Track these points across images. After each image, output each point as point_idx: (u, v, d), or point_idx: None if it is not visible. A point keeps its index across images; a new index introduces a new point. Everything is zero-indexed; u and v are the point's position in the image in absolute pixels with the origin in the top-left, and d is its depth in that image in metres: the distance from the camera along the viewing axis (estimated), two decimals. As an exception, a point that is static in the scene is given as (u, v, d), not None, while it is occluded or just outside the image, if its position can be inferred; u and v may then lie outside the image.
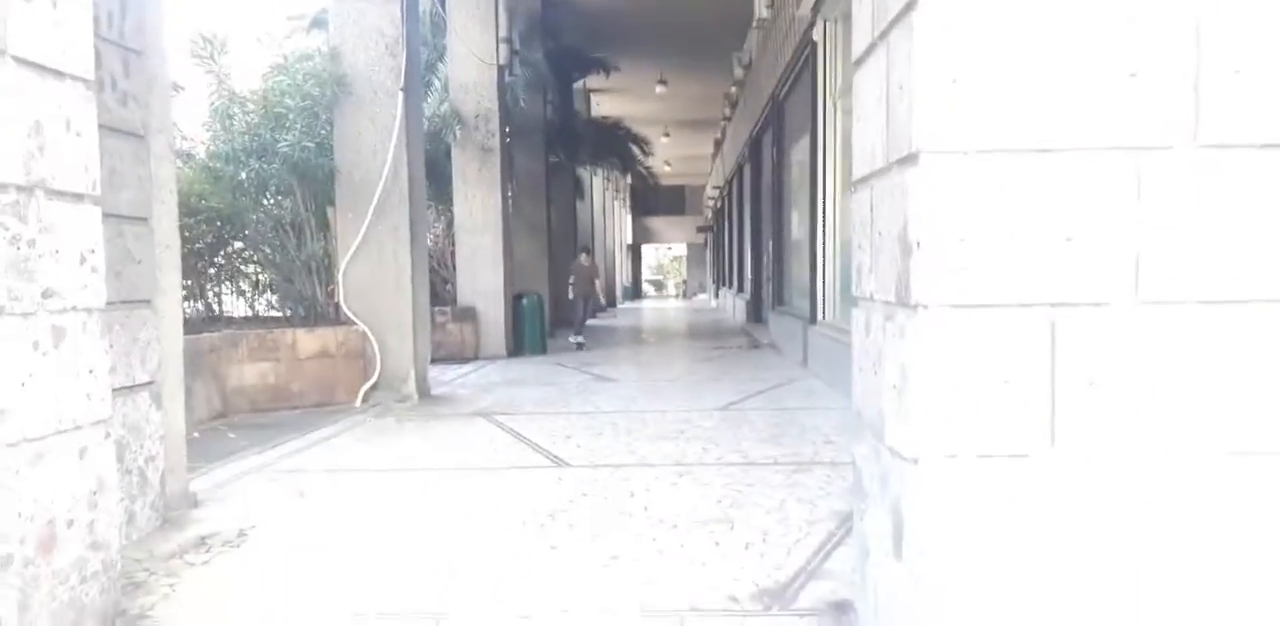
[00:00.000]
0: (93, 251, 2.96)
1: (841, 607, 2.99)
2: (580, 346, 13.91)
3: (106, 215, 3.82)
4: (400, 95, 8.37)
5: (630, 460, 5.46)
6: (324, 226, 8.82)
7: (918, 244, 2.15)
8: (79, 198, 2.92)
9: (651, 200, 42.94)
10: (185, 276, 8.90)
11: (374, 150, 8.35)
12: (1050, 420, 2.14)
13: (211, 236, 8.95)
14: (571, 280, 14.84)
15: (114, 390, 3.80)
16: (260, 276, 9.52)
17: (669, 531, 3.91)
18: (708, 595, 3.13)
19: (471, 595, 3.19)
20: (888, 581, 2.49)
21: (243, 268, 9.67)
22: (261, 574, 3.51)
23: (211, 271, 9.49)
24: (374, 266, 8.45)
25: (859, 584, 2.94)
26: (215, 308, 9.40)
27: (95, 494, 2.93)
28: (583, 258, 15.09)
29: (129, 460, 3.93)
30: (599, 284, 15.12)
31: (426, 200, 14.03)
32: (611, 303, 32.02)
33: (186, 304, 9.17)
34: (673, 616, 2.95)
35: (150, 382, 4.12)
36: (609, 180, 29.75)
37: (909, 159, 2.22)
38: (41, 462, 2.70)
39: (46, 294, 2.75)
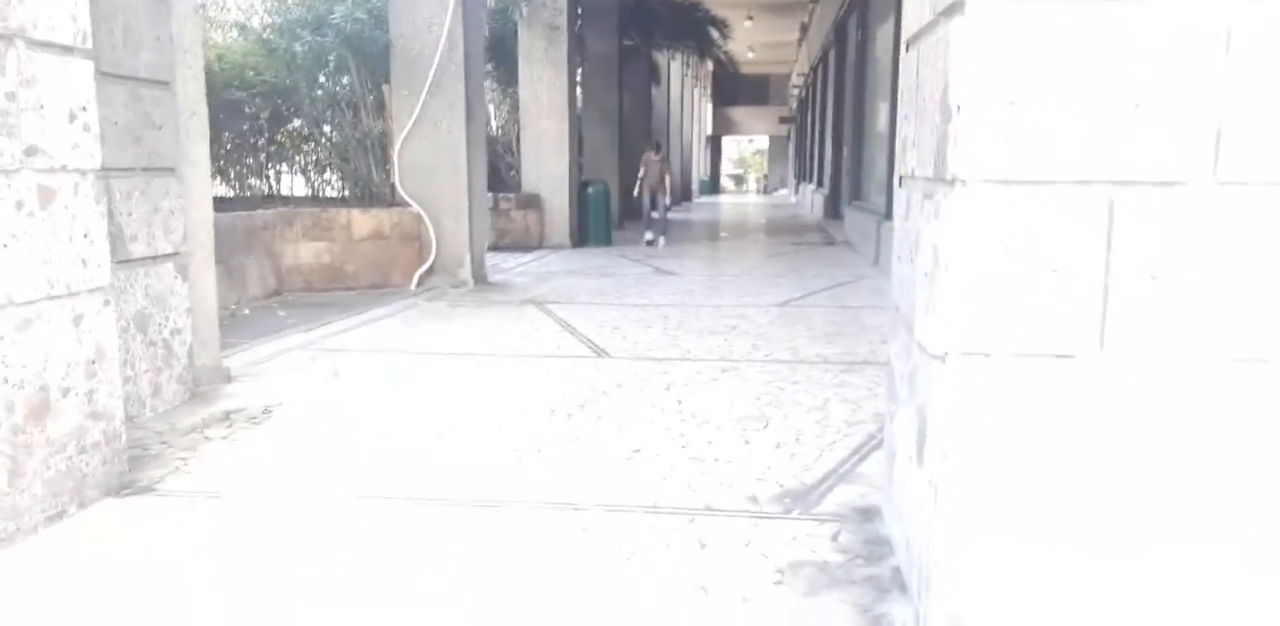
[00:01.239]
0: (84, 109, 2.78)
1: (866, 514, 2.79)
2: (651, 243, 13.01)
3: (122, 77, 3.66)
4: (458, -36, 7.94)
5: (674, 354, 5.28)
6: (380, 104, 8.58)
7: (958, 108, 1.82)
8: (66, 50, 2.72)
9: (733, 89, 41.53)
10: (245, 153, 8.86)
11: (429, 23, 7.99)
12: (1102, 317, 1.85)
13: (268, 112, 8.78)
14: (641, 174, 13.82)
15: (135, 260, 3.73)
16: (319, 155, 9.38)
17: (698, 427, 3.73)
18: (726, 494, 2.96)
19: (479, 484, 3.07)
20: (911, 488, 2.26)
21: (303, 145, 9.54)
22: (277, 451, 3.45)
23: (271, 148, 9.39)
24: (430, 146, 8.23)
25: (885, 489, 2.73)
26: (274, 185, 9.33)
27: (94, 362, 2.85)
28: (652, 153, 13.85)
29: (153, 332, 3.88)
30: (669, 181, 13.98)
31: (491, 80, 13.78)
32: (687, 196, 31.48)
33: (249, 181, 9.15)
34: (684, 515, 2.78)
35: (175, 254, 4.02)
36: (688, 66, 28.68)
37: (954, 6, 1.86)
38: (30, 328, 2.60)
39: (30, 151, 2.59)
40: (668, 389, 4.38)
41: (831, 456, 3.35)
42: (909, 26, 2.47)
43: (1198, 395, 1.85)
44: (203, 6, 8.05)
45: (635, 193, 13.69)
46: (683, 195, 29.94)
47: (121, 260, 3.67)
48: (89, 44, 2.79)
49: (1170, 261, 1.81)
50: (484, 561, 2.46)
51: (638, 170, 14.03)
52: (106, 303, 2.90)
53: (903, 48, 2.55)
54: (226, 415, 3.92)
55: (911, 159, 2.33)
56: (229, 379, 4.52)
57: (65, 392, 2.73)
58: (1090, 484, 1.89)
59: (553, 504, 2.86)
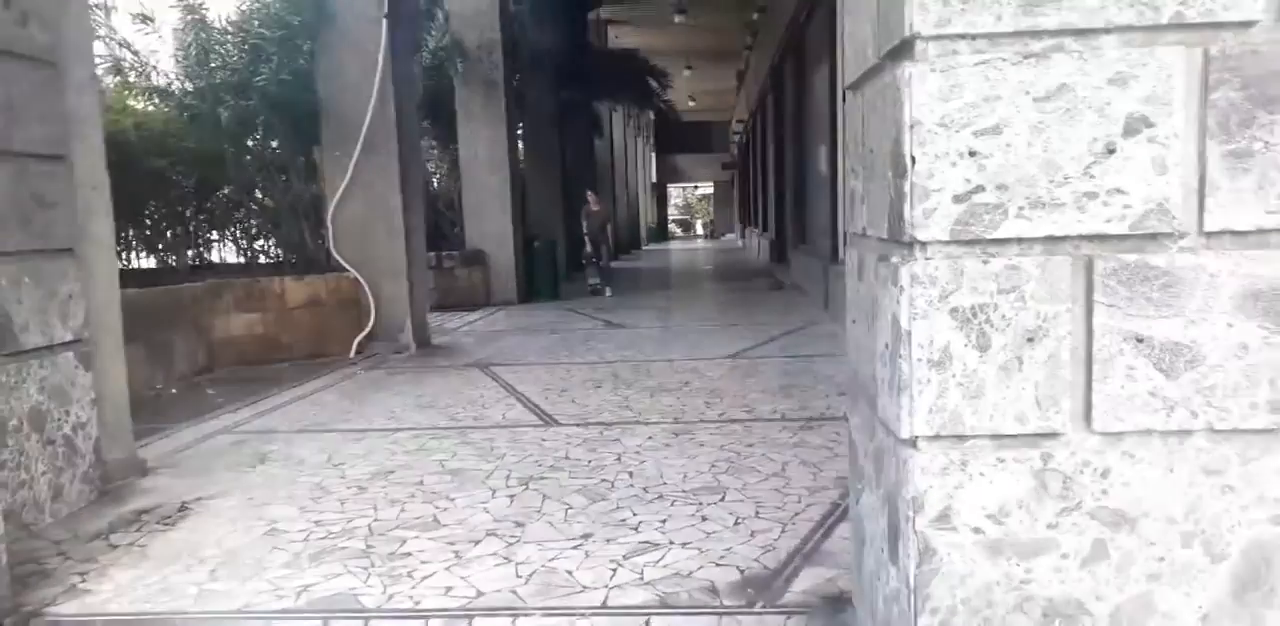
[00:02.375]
0: (-59, 194, 2.49)
1: (836, 603, 2.54)
2: (595, 290, 13.27)
3: (4, 152, 3.38)
4: (384, 22, 7.77)
5: (625, 416, 5.02)
6: (311, 167, 8.33)
7: (913, 161, 1.62)
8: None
9: (676, 137, 41.90)
10: (173, 223, 8.53)
11: (358, 83, 7.79)
12: (1085, 388, 1.64)
13: (195, 179, 8.47)
14: (585, 227, 14.06)
15: (28, 351, 3.42)
16: (251, 222, 9.07)
17: (651, 504, 3.47)
18: (683, 585, 2.69)
19: (410, 591, 2.77)
20: (885, 585, 2.01)
21: (234, 213, 9.22)
22: (190, 559, 3.12)
23: (201, 217, 9.07)
24: (364, 208, 7.97)
25: (855, 576, 2.48)
26: (204, 255, 8.98)
27: (-38, 478, 2.52)
28: (591, 201, 14.14)
29: (50, 429, 3.54)
30: (610, 229, 14.37)
31: (430, 138, 13.61)
32: (635, 244, 31.46)
33: (179, 251, 8.81)
34: (637, 616, 2.51)
35: (75, 341, 3.70)
36: (630, 117, 28.86)
37: (902, 48, 1.68)
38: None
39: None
40: (619, 459, 4.11)
41: (794, 532, 3.10)
42: (850, 71, 2.29)
43: (1204, 476, 1.64)
44: (118, 72, 7.77)
45: (586, 244, 13.90)
46: (630, 243, 29.91)
47: (11, 352, 3.35)
48: (-53, 122, 2.52)
49: (1159, 323, 1.62)
50: (412, 688, 2.16)
51: (580, 224, 14.22)
52: (-23, 407, 2.59)
53: (844, 93, 2.37)
54: (138, 516, 3.58)
55: (862, 216, 2.13)
56: (145, 472, 4.17)
57: (-73, 514, 2.40)
58: (1091, 582, 1.67)
59: (489, 609, 2.57)
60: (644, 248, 33.95)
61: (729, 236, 43.14)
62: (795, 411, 4.98)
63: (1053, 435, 1.67)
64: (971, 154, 1.61)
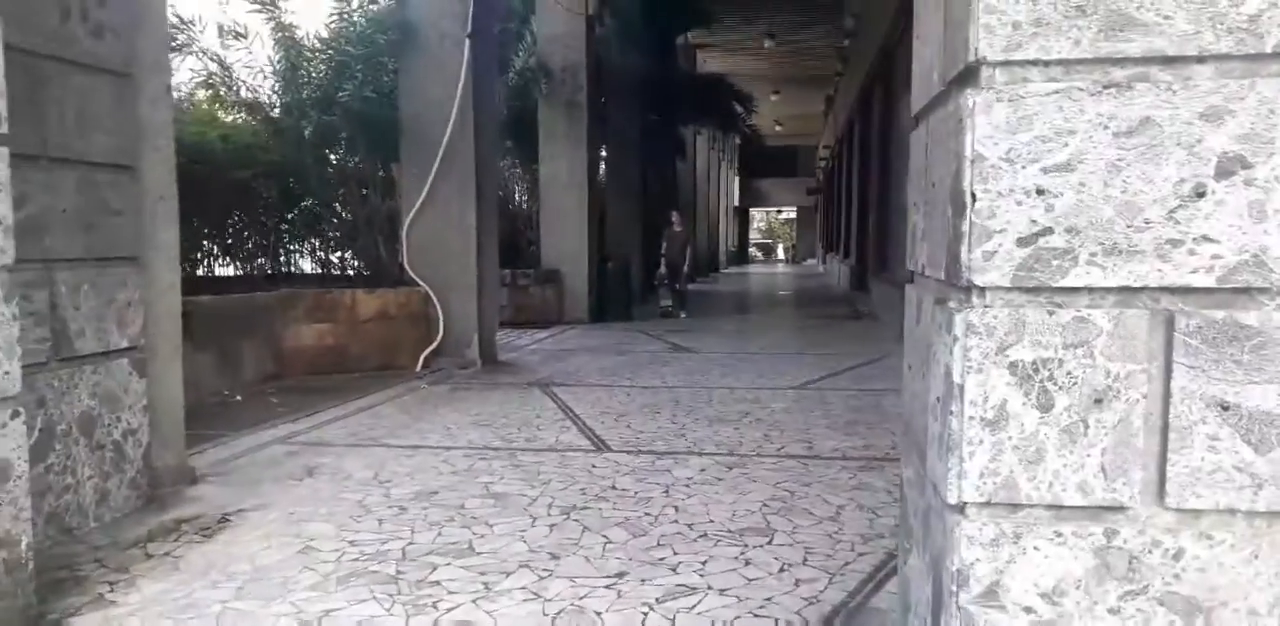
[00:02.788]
0: (-8, 199, 2.50)
1: (880, 667, 2.35)
2: (666, 313, 13.14)
3: (73, 161, 3.43)
4: (467, 42, 7.83)
5: (679, 446, 4.87)
6: (389, 182, 8.42)
7: (973, 198, 1.47)
8: (-27, 134, 2.45)
9: (761, 161, 41.73)
10: (254, 233, 8.70)
11: (440, 101, 7.85)
12: (1160, 459, 1.45)
13: (278, 191, 8.64)
14: (664, 248, 13.84)
15: (83, 357, 3.44)
16: (330, 234, 9.21)
17: (694, 542, 3.31)
18: (716, 636, 2.54)
19: (427, 625, 2.67)
20: (927, 659, 1.84)
21: (315, 225, 9.38)
22: (221, 572, 3.07)
23: (283, 227, 9.24)
24: (439, 225, 8.01)
25: (902, 641, 2.30)
26: (283, 265, 9.14)
27: (-6, 484, 2.51)
28: (675, 221, 13.94)
29: (100, 434, 3.55)
30: (690, 252, 14.03)
31: (511, 157, 13.73)
32: (714, 267, 31.31)
33: (259, 260, 8.98)
34: (663, 666, 2.36)
35: (131, 348, 3.72)
36: (714, 140, 28.81)
37: (966, 74, 1.53)
38: (-88, 449, 2.27)
39: (-78, 249, 2.31)
40: (666, 492, 3.97)
41: (842, 584, 2.92)
42: (917, 99, 2.15)
43: (1290, 560, 1.44)
44: (208, 86, 7.98)
45: (661, 268, 13.70)
46: (709, 266, 29.78)
47: (65, 358, 3.38)
48: (3, 128, 2.53)
49: (1248, 389, 1.43)
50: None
51: (660, 245, 14.03)
52: (15, 415, 2.58)
53: (912, 123, 2.22)
54: (178, 525, 3.56)
55: (921, 254, 1.98)
56: (194, 480, 4.17)
57: (-46, 520, 2.39)
58: (1155, 673, 1.48)
59: (511, 651, 2.45)
60: (723, 270, 33.76)
61: (810, 261, 42.68)
62: (858, 450, 4.77)
63: (1119, 509, 1.49)
64: (1039, 192, 1.46)
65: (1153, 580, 1.49)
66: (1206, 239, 1.42)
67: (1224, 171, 1.43)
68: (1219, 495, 1.45)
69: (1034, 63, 1.50)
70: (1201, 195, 1.43)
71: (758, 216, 55.98)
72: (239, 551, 3.28)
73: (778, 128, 35.02)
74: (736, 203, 44.12)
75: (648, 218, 16.10)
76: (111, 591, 2.89)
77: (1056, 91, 1.48)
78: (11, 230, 2.56)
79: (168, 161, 4.05)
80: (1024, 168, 1.48)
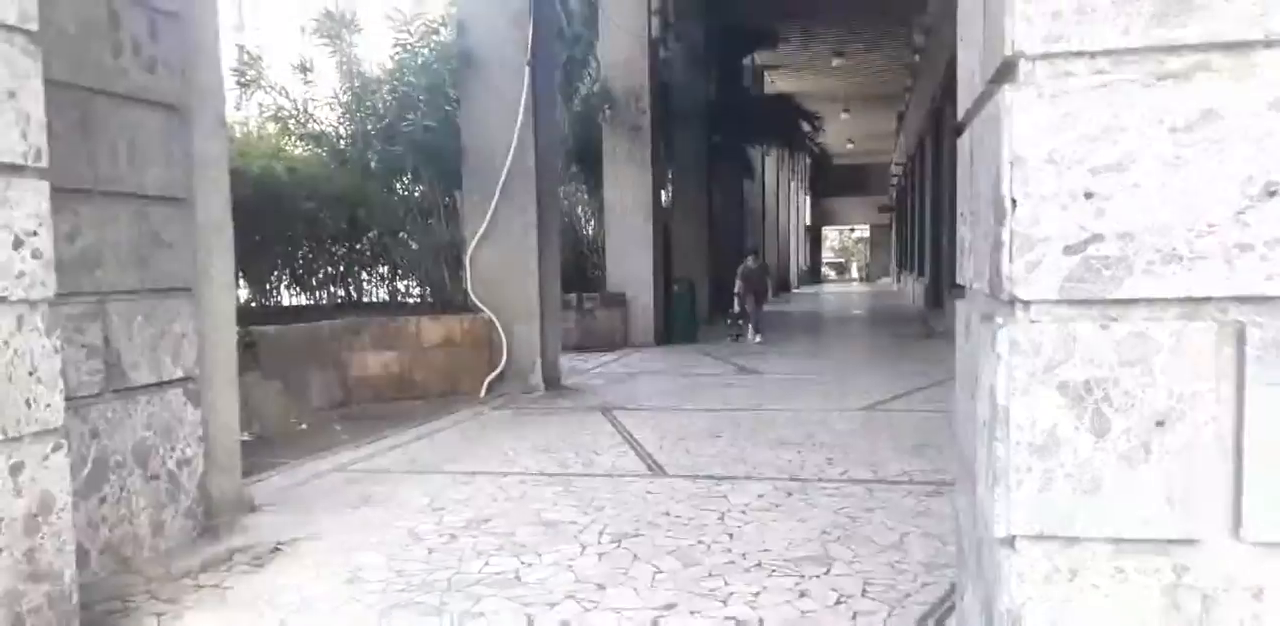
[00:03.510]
0: (34, 233, 2.52)
1: (941, 711, 2.19)
2: (738, 338, 12.67)
3: (124, 194, 3.48)
4: (527, 70, 7.87)
5: (738, 471, 4.73)
6: (452, 210, 8.49)
7: (1013, 203, 1.35)
8: (15, 169, 2.48)
9: (833, 180, 41.31)
10: (323, 263, 8.84)
11: (500, 129, 7.89)
12: (1234, 487, 1.30)
13: (345, 221, 8.76)
14: (738, 288, 12.96)
15: (136, 388, 3.47)
16: (396, 261, 9.30)
17: (747, 572, 3.18)
18: (767, 675, 2.40)
19: (476, 653, 2.59)
20: (984, 707, 1.69)
21: (381, 254, 9.49)
22: (269, 603, 3.04)
23: (351, 256, 9.36)
24: (501, 251, 8.04)
25: (964, 683, 2.13)
26: (352, 293, 9.26)
27: (36, 516, 2.51)
28: (750, 261, 13.33)
29: (154, 465, 3.57)
30: (769, 283, 13.57)
31: (577, 182, 13.78)
32: (785, 287, 31.00)
33: (329, 288, 9.11)
34: (708, 708, 2.24)
35: (186, 379, 3.75)
36: (783, 160, 28.62)
37: (1004, 70, 1.41)
38: (-49, 482, 2.28)
39: (-38, 282, 2.33)
40: (721, 519, 3.84)
41: (902, 617, 2.76)
42: (962, 102, 2.03)
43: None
44: (276, 118, 8.16)
45: (736, 302, 12.97)
46: (780, 286, 29.50)
47: (118, 389, 3.41)
48: (43, 162, 2.55)
49: (1330, 409, 1.27)
50: None
51: (735, 281, 13.12)
52: (57, 447, 2.59)
53: (958, 130, 2.10)
54: (230, 555, 3.56)
55: (969, 268, 1.85)
56: (252, 508, 4.18)
57: (-6, 552, 2.39)
58: (1239, 731, 1.31)
59: (550, 690, 2.35)
60: (794, 290, 33.41)
61: (884, 280, 41.99)
62: (926, 473, 4.57)
63: (1189, 543, 1.33)
64: (1088, 196, 1.32)
65: (1229, 622, 1.32)
66: (1278, 241, 1.27)
67: (1297, 167, 1.28)
68: (1304, 529, 1.29)
69: (1078, 54, 1.37)
70: (1274, 194, 1.28)
71: (830, 235, 55.36)
72: (287, 581, 3.25)
73: (849, 146, 34.63)
74: (808, 221, 43.71)
75: (715, 239, 15.99)
76: (158, 623, 2.88)
77: (1104, 85, 1.35)
78: (52, 264, 2.58)
79: (222, 193, 4.09)
80: (1070, 169, 1.35)
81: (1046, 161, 1.36)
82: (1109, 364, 1.32)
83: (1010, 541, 1.40)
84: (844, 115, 27.88)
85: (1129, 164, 1.34)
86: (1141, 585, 1.35)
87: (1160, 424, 1.31)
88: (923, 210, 20.81)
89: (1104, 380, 1.33)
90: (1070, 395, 1.34)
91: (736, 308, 12.92)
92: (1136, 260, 1.32)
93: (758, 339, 12.65)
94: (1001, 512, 1.41)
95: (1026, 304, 1.35)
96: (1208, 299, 1.29)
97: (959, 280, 2.01)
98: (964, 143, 1.95)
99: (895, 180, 33.21)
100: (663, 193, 14.16)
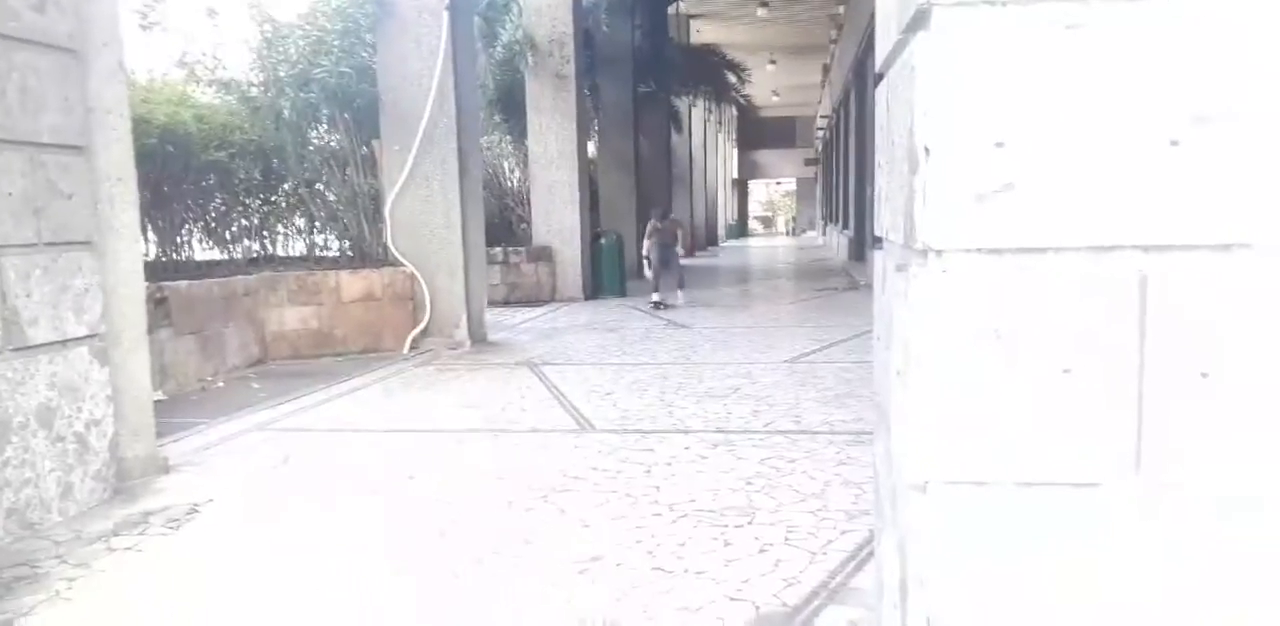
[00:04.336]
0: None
1: (858, 652, 2.25)
2: (660, 305, 11.07)
3: (16, 142, 3.30)
4: (445, 14, 7.64)
5: (665, 424, 4.76)
6: (370, 160, 8.26)
7: (927, 152, 1.33)
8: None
9: (759, 132, 41.41)
10: (237, 216, 8.56)
11: (418, 76, 7.67)
12: (1137, 430, 1.33)
13: (259, 172, 8.48)
14: (646, 247, 11.45)
15: (36, 346, 3.33)
16: (313, 214, 9.05)
17: (673, 523, 3.21)
18: (689, 622, 2.43)
19: (392, 616, 2.57)
20: (898, 649, 1.73)
21: (298, 206, 9.22)
22: (185, 566, 2.98)
23: (265, 209, 9.08)
24: (422, 203, 7.86)
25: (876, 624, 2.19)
26: (268, 247, 9.00)
27: (-70, 481, 2.40)
28: (656, 223, 11.42)
29: (60, 426, 3.44)
30: (681, 236, 11.87)
31: (501, 133, 13.54)
32: (713, 241, 31.12)
33: (244, 242, 8.85)
34: (632, 656, 2.26)
35: (90, 336, 3.60)
36: (710, 112, 28.49)
37: (918, 18, 1.39)
38: None
39: None
40: (648, 472, 3.86)
41: (824, 564, 2.82)
42: (880, 51, 2.00)
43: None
44: (182, 64, 7.80)
45: (646, 255, 11.45)
46: (708, 240, 29.59)
47: (17, 348, 3.26)
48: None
49: (1229, 352, 1.30)
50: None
51: (643, 236, 11.87)
52: (-50, 407, 2.47)
53: (875, 80, 2.08)
54: (145, 517, 3.46)
55: (885, 217, 1.84)
56: (166, 469, 4.07)
57: (-114, 520, 2.28)
58: (1135, 665, 1.37)
59: (474, 643, 2.36)
60: (721, 244, 33.58)
61: (810, 234, 42.45)
62: (847, 423, 4.66)
63: (1092, 486, 1.37)
64: (998, 145, 1.32)
65: (1130, 561, 1.37)
66: (1187, 190, 1.29)
67: (1203, 117, 1.29)
68: (1194, 468, 1.33)
69: (989, 3, 1.35)
70: (1176, 144, 1.30)
71: (757, 189, 55.60)
72: (204, 543, 3.19)
73: (775, 98, 34.64)
74: (735, 174, 43.80)
75: (642, 191, 15.91)
76: (69, 589, 2.80)
77: (1014, 33, 1.34)
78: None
79: (124, 141, 3.90)
80: (981, 118, 1.34)
81: (958, 110, 1.35)
82: (1018, 312, 1.34)
83: (922, 486, 1.42)
84: (770, 66, 27.80)
85: (1038, 113, 1.33)
86: (1048, 527, 1.38)
87: (1067, 371, 1.33)
88: (847, 163, 20.99)
89: (1013, 327, 1.34)
90: (981, 342, 1.35)
91: (648, 271, 11.49)
92: (1046, 209, 1.32)
93: (680, 299, 11.52)
94: (913, 457, 1.43)
95: (939, 252, 1.35)
96: (1115, 247, 1.30)
97: (877, 231, 2.01)
98: (881, 92, 1.93)
99: (821, 133, 33.38)
100: (588, 144, 14.01)
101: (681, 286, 11.90)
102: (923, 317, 1.37)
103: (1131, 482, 1.36)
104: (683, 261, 11.85)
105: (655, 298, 11.22)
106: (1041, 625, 1.40)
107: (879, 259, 1.95)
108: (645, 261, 11.59)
